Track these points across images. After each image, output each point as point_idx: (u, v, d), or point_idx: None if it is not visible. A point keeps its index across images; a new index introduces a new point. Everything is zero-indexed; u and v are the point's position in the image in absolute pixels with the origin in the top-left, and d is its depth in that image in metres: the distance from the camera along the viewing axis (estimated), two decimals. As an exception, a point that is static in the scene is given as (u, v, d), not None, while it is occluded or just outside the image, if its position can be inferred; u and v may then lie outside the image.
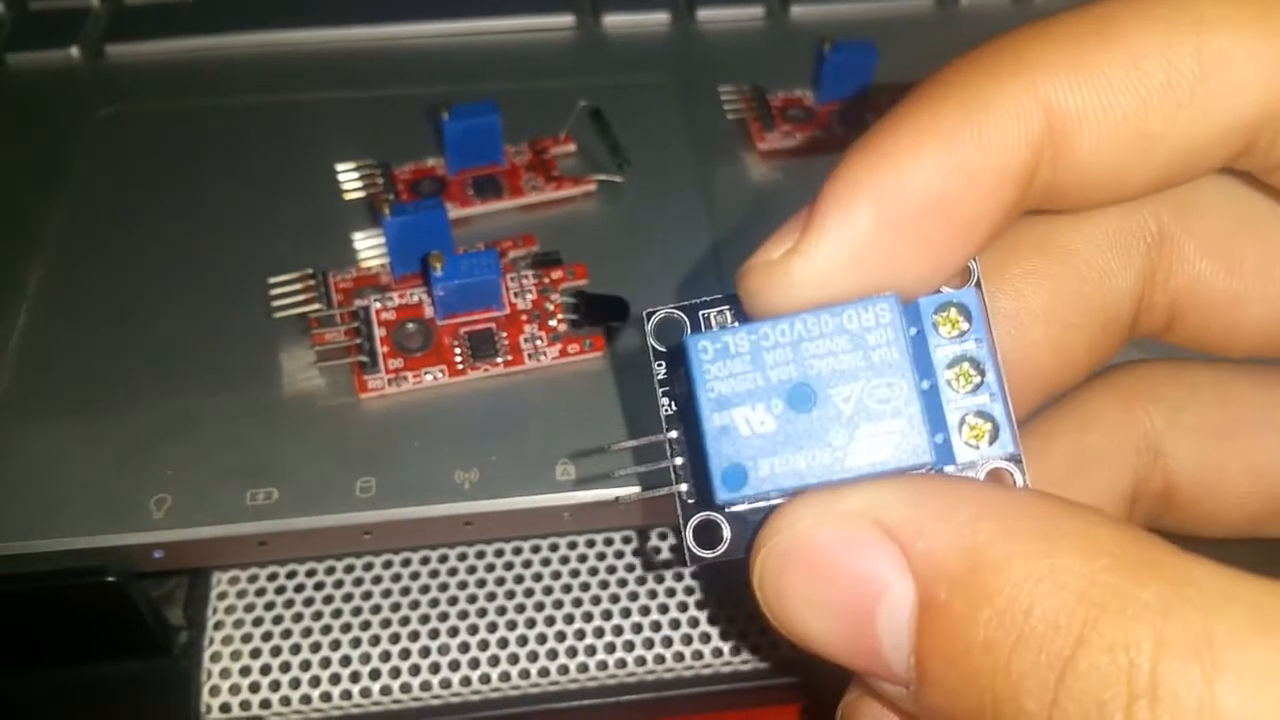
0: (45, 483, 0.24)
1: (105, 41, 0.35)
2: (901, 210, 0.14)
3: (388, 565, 0.26)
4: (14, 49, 0.35)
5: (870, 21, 0.36)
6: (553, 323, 0.26)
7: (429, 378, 0.26)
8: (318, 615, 0.26)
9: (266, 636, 0.25)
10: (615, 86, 0.33)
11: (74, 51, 0.35)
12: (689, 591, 0.26)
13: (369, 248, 0.28)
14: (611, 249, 0.29)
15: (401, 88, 0.33)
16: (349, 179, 0.30)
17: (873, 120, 0.30)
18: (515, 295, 0.27)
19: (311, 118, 0.32)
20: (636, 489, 0.22)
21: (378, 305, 0.26)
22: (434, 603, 0.26)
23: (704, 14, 0.36)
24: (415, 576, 0.26)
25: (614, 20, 0.36)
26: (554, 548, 0.26)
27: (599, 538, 0.27)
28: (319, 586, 0.26)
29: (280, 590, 0.26)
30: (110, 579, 0.23)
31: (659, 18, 0.36)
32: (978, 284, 0.15)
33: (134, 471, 0.24)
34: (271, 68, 0.34)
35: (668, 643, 0.25)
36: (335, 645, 0.25)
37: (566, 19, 0.36)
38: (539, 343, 0.26)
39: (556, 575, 0.26)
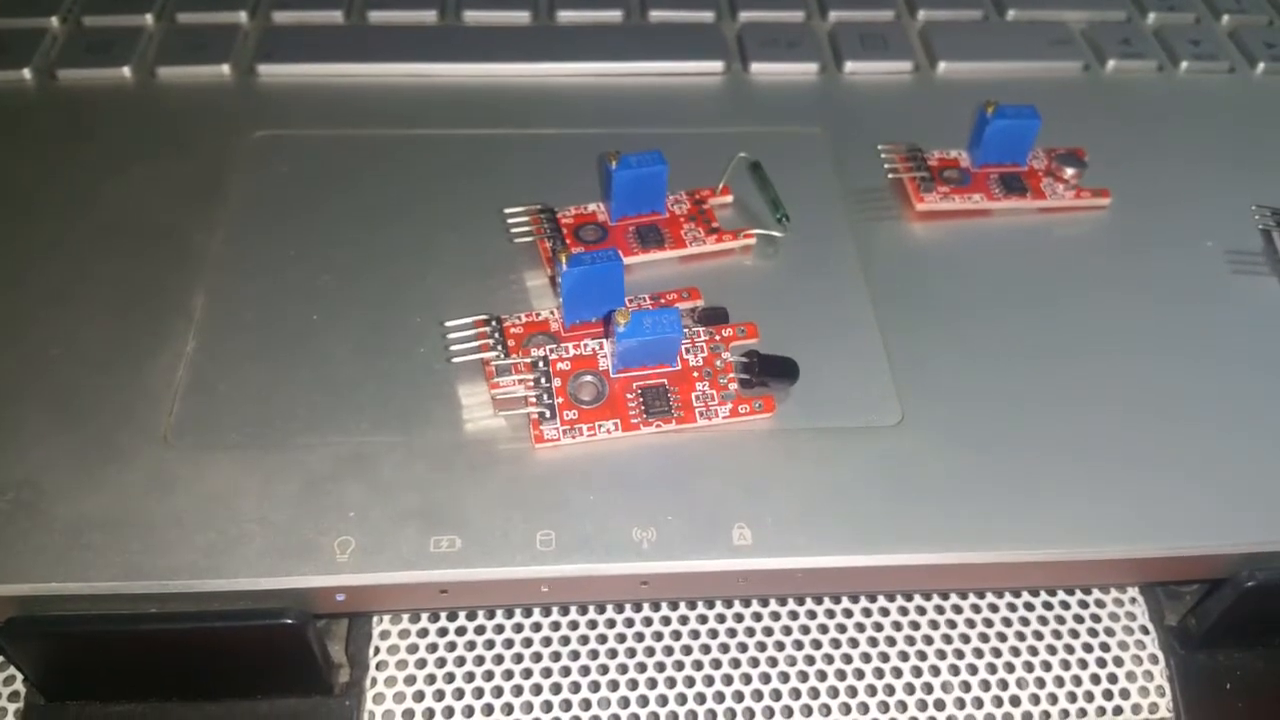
0: (220, 519, 0.24)
1: (257, 61, 0.35)
2: None
3: (547, 613, 0.26)
4: (165, 63, 0.35)
5: (1016, 82, 0.36)
6: (723, 380, 0.26)
7: (603, 431, 0.26)
8: (480, 660, 0.26)
9: (430, 679, 0.25)
10: (765, 135, 0.34)
11: (225, 69, 0.35)
12: (858, 673, 0.26)
13: (540, 294, 0.28)
14: (770, 305, 0.29)
15: (553, 127, 0.34)
16: (517, 222, 0.30)
17: (1031, 187, 0.30)
18: (687, 351, 0.27)
19: (466, 152, 0.33)
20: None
21: (554, 356, 0.26)
22: (593, 654, 0.26)
23: (851, 66, 0.36)
24: (574, 626, 0.26)
25: (762, 69, 0.36)
26: (720, 618, 0.26)
27: (764, 610, 0.27)
28: (480, 630, 0.26)
29: (442, 632, 0.26)
30: (289, 622, 0.23)
31: (807, 68, 0.36)
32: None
33: (314, 512, 0.24)
34: (424, 100, 0.34)
35: (826, 711, 0.25)
36: (498, 692, 0.25)
37: (715, 65, 0.36)
38: (710, 401, 0.26)
39: (714, 635, 0.26)
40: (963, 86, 0.36)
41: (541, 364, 0.26)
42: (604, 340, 0.27)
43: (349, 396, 0.26)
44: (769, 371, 0.26)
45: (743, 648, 0.26)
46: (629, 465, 0.25)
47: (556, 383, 0.26)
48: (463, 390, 0.26)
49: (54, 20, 0.37)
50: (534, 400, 0.26)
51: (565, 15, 0.37)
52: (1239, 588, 0.25)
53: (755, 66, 0.36)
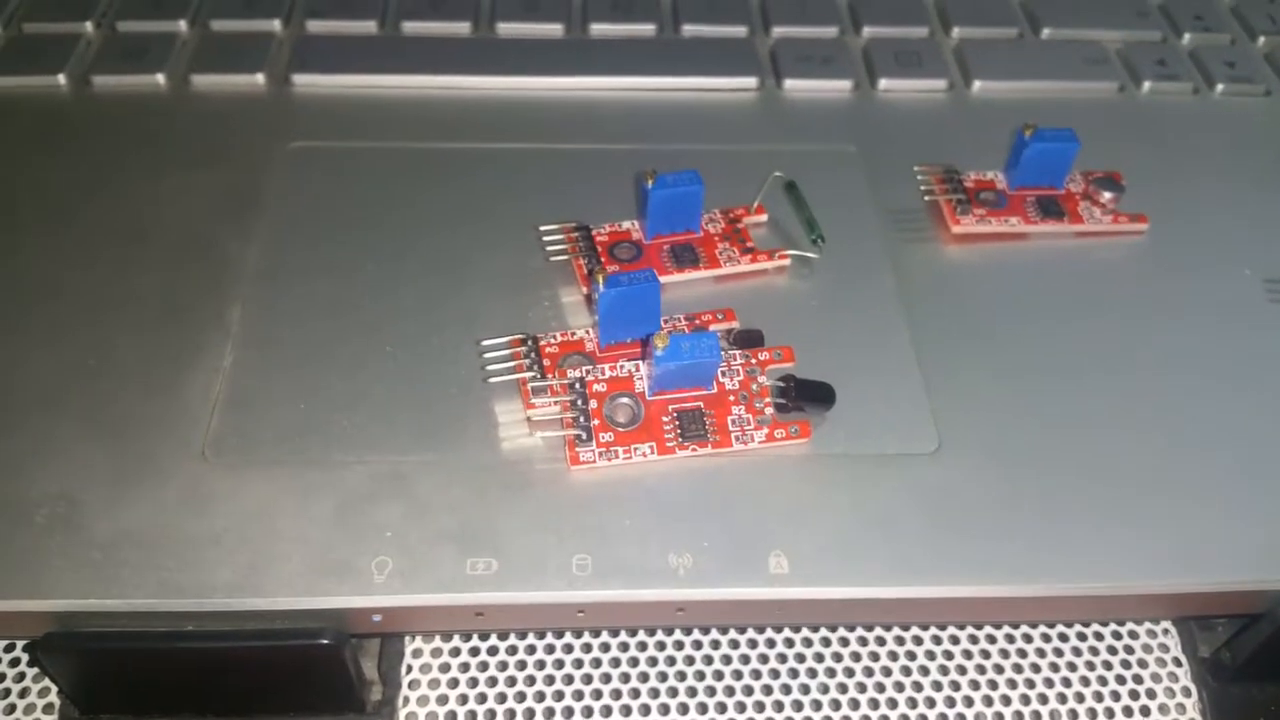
0: (258, 537, 0.24)
1: (291, 70, 0.35)
2: None
3: (578, 634, 0.26)
4: (199, 70, 0.35)
5: (1052, 102, 0.36)
6: (759, 405, 0.26)
7: (639, 454, 0.25)
8: (511, 680, 0.26)
9: (462, 699, 0.25)
10: (799, 153, 0.33)
11: (260, 78, 0.35)
12: (890, 702, 0.26)
13: (574, 311, 0.28)
14: (804, 327, 0.29)
15: (586, 142, 0.34)
16: (552, 239, 0.30)
17: (1068, 211, 0.30)
18: (723, 375, 0.27)
19: (499, 166, 0.33)
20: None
21: (590, 377, 0.26)
22: (625, 677, 0.26)
23: (885, 83, 0.36)
24: (605, 648, 0.26)
25: (795, 85, 0.36)
26: (752, 643, 0.26)
27: (797, 636, 0.27)
28: (512, 650, 0.26)
29: (474, 651, 0.26)
30: (326, 642, 0.23)
31: (841, 85, 0.36)
32: None
33: (352, 531, 0.24)
34: (457, 113, 0.34)
35: (859, 737, 0.25)
36: (530, 714, 0.25)
37: (749, 81, 0.36)
38: (746, 425, 0.26)
39: (745, 661, 0.26)
40: (998, 106, 0.36)
41: (578, 385, 0.26)
42: (640, 362, 0.26)
43: (384, 414, 0.26)
44: (806, 396, 0.26)
45: (774, 674, 0.26)
46: (665, 489, 0.25)
47: (593, 404, 0.26)
48: (499, 408, 0.26)
49: (88, 25, 0.37)
50: (570, 422, 0.25)
51: (598, 29, 0.37)
52: (1276, 623, 0.25)
53: (789, 83, 0.36)
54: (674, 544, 0.24)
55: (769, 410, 0.26)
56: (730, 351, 0.27)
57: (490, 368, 0.27)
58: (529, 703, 0.25)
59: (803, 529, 0.25)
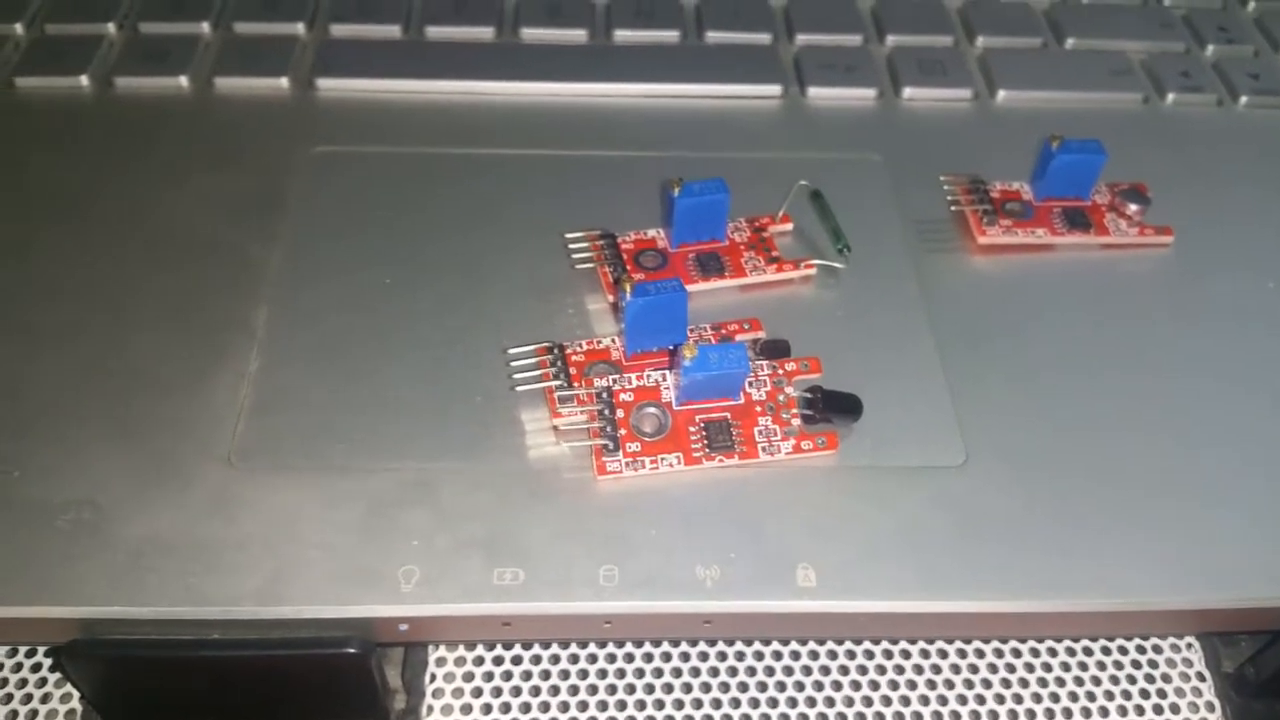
0: (284, 544, 0.24)
1: (315, 75, 0.35)
2: None
3: (603, 644, 0.26)
4: (223, 73, 0.35)
5: (1076, 113, 0.36)
6: (786, 415, 0.26)
7: (665, 464, 0.25)
8: (536, 690, 0.26)
9: (486, 709, 0.25)
10: (823, 161, 0.33)
11: (284, 82, 0.35)
12: (916, 716, 0.26)
13: (599, 318, 0.28)
14: (830, 337, 0.28)
15: (609, 148, 0.33)
16: (578, 247, 0.30)
17: (1095, 222, 0.30)
18: (750, 385, 0.27)
19: (522, 172, 0.32)
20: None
21: (617, 386, 0.26)
22: (649, 688, 0.26)
23: (910, 92, 0.36)
24: (630, 659, 0.26)
25: (819, 93, 0.36)
26: (777, 655, 0.26)
27: (821, 648, 0.26)
28: (536, 659, 0.26)
29: (498, 660, 0.26)
30: (353, 651, 0.23)
31: (865, 93, 0.36)
32: None
33: (378, 538, 0.24)
34: (481, 119, 0.34)
35: (884, 751, 0.25)
36: (554, 725, 0.25)
37: (773, 89, 0.36)
38: (773, 436, 0.26)
39: (770, 673, 0.26)
40: (1022, 115, 0.35)
41: (604, 394, 0.26)
42: (667, 372, 0.26)
43: (410, 420, 0.26)
44: (833, 408, 0.26)
45: (800, 686, 0.26)
46: (691, 500, 0.25)
47: (619, 414, 0.26)
48: (524, 416, 0.26)
49: (110, 26, 0.37)
50: (598, 431, 0.25)
51: (622, 35, 0.37)
52: (1303, 640, 0.25)
53: (813, 91, 0.36)
54: (701, 555, 0.24)
55: (796, 421, 0.26)
56: (757, 362, 0.27)
57: (517, 376, 0.26)
58: (553, 713, 0.25)
59: (830, 542, 0.24)
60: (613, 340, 0.28)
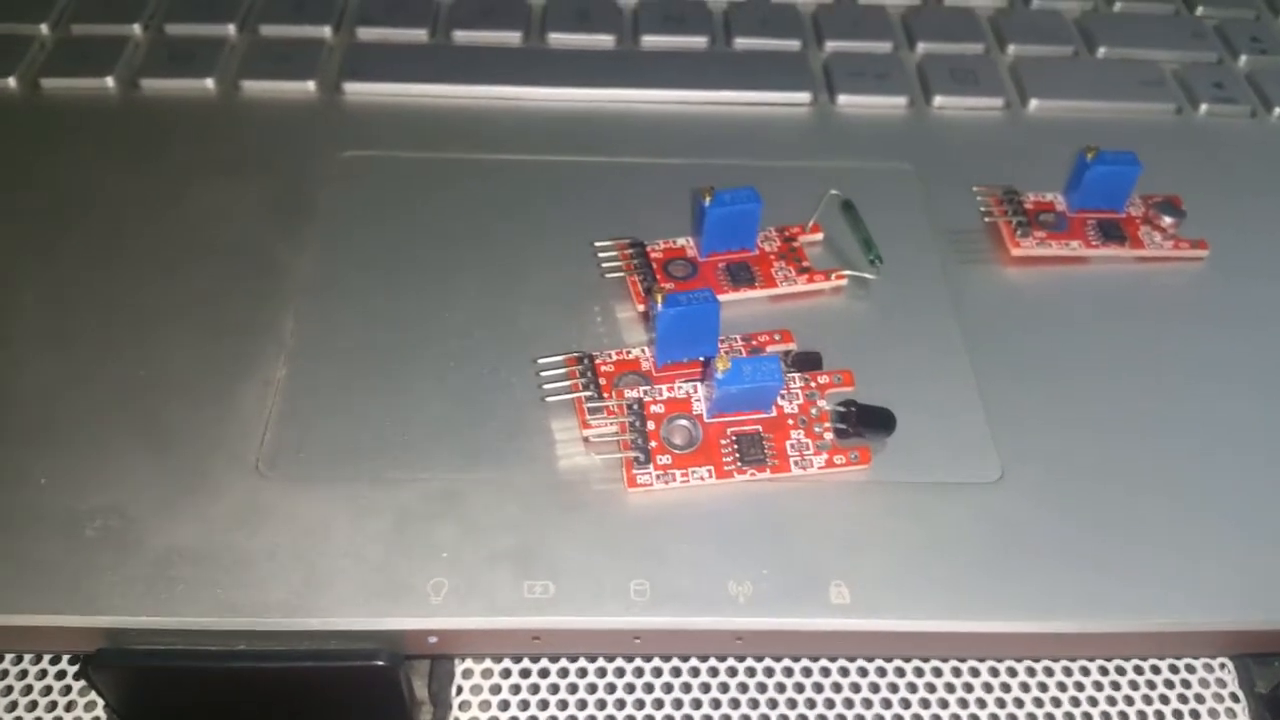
0: (312, 555, 0.24)
1: (343, 79, 0.35)
2: None
3: (630, 658, 0.26)
4: (249, 76, 0.35)
5: (1109, 123, 0.35)
6: (819, 429, 0.26)
7: (696, 477, 0.25)
8: (563, 703, 0.25)
9: (513, 723, 0.25)
10: (854, 170, 0.33)
11: (311, 86, 0.35)
12: (942, 721, 0.25)
13: (628, 327, 0.28)
14: (862, 349, 0.28)
15: (638, 155, 0.33)
16: (607, 256, 0.29)
17: (1129, 235, 0.30)
18: (782, 398, 0.26)
19: (550, 179, 0.32)
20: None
21: (648, 398, 0.26)
22: (677, 703, 0.25)
23: (940, 100, 0.36)
24: (658, 673, 0.26)
25: (849, 101, 0.35)
26: (807, 671, 0.26)
27: (852, 665, 0.26)
28: (563, 672, 0.26)
29: (525, 673, 0.26)
30: (382, 664, 0.23)
31: (895, 101, 0.35)
32: None
33: (407, 550, 0.24)
34: (508, 124, 0.34)
35: (915, 770, 0.25)
36: (582, 740, 0.25)
37: (803, 96, 0.35)
38: (806, 450, 0.26)
39: (800, 689, 0.26)
40: (1054, 125, 0.35)
41: (635, 406, 0.26)
42: (699, 383, 0.26)
43: (439, 429, 0.26)
44: (867, 423, 0.26)
45: (830, 704, 0.26)
46: (723, 514, 0.25)
47: (650, 426, 0.25)
48: (554, 426, 0.26)
49: (136, 28, 0.36)
50: (628, 443, 0.25)
51: (650, 40, 0.37)
52: (1342, 663, 0.24)
53: (843, 98, 0.35)
54: (733, 571, 0.24)
55: (828, 435, 0.26)
56: (789, 374, 0.27)
57: (547, 387, 0.26)
58: (581, 727, 0.25)
59: (864, 558, 0.24)
60: (642, 350, 0.27)
